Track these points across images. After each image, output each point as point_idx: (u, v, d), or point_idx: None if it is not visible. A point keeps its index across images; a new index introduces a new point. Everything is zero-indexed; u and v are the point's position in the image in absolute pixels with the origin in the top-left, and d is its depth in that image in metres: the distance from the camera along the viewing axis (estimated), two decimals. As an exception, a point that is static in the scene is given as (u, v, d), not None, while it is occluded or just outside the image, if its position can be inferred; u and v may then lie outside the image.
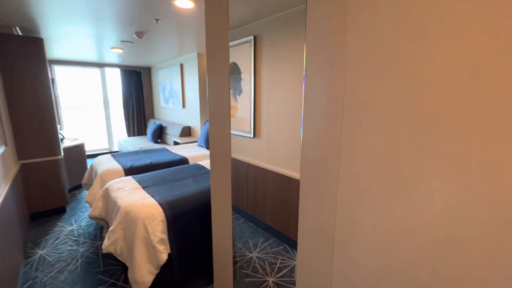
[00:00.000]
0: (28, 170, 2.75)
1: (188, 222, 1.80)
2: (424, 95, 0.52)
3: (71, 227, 2.73)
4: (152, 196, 1.87)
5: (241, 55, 2.67)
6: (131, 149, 4.63)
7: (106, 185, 2.19)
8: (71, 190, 3.69)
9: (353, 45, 0.62)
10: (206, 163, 2.77)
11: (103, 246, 1.73)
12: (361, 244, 0.65)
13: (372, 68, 0.58)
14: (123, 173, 2.59)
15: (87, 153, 5.72)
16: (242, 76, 2.71)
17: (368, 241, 0.64)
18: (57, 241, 2.47)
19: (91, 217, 2.16)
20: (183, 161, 3.01)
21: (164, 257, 1.63)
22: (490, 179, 0.45)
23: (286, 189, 2.38)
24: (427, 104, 0.52)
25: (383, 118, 0.57)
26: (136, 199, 1.82)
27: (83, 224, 2.80)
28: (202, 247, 1.88)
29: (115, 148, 6.18)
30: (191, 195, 1.93)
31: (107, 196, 2.12)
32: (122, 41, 3.26)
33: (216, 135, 1.23)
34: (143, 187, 2.06)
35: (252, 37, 2.50)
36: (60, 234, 2.59)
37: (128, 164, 2.75)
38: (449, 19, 0.48)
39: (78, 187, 3.86)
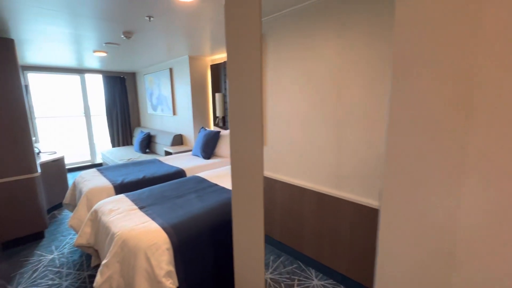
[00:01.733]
0: (-2, 191, 2.36)
1: (198, 248, 1.54)
2: None
3: (52, 256, 2.36)
4: (153, 219, 1.59)
5: (242, 56, 2.46)
6: (117, 161, 4.25)
7: (95, 207, 1.88)
8: (50, 210, 3.28)
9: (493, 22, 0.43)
10: (207, 175, 2.51)
11: (95, 285, 1.43)
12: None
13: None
14: (113, 190, 2.27)
15: (67, 167, 5.24)
16: (244, 78, 2.50)
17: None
18: (35, 275, 2.10)
19: (77, 246, 1.84)
20: (180, 173, 2.73)
21: (172, 293, 1.35)
22: None
23: (297, 200, 2.17)
24: None
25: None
26: (134, 224, 1.53)
27: (65, 250, 2.43)
28: (215, 275, 1.62)
29: (98, 161, 5.73)
30: (198, 215, 1.67)
31: (96, 220, 1.81)
32: (106, 43, 2.95)
33: (243, 148, 1.01)
34: (140, 208, 1.77)
35: (255, 36, 2.30)
36: (39, 265, 2.22)
37: (118, 179, 2.44)
38: None
39: (59, 206, 3.44)
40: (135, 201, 1.89)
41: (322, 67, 1.86)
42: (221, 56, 3.97)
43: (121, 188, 2.31)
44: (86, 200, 2.16)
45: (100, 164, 5.71)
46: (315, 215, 2.05)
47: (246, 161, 0.99)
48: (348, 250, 1.86)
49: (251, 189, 1.01)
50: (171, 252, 1.42)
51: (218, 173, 2.56)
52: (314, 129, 1.98)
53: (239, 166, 1.05)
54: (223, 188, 2.14)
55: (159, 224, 1.52)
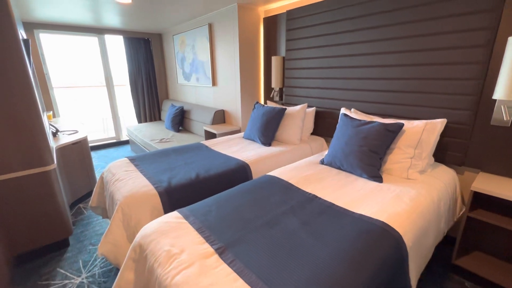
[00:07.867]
0: (1, 192, 1.70)
1: None
2: None
3: (80, 278, 1.74)
4: (257, 291, 0.82)
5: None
6: (146, 139, 3.55)
7: (139, 238, 1.15)
8: (73, 205, 2.68)
9: None
10: (291, 177, 1.69)
11: None
12: None
13: None
14: (158, 198, 1.53)
15: (90, 145, 4.66)
16: None
17: None
18: (57, 315, 1.49)
19: (114, 300, 1.14)
20: (244, 169, 1.94)
21: None
22: None
23: None
24: None
25: None
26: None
27: (96, 270, 1.81)
28: None
29: (124, 137, 5.11)
30: (336, 279, 0.88)
31: (143, 263, 1.08)
32: (133, -22, 2.04)
33: None
34: (219, 251, 1.01)
35: None
36: (63, 296, 1.61)
37: (163, 180, 1.68)
38: None
39: (85, 197, 2.85)
40: (203, 231, 1.13)
41: None
42: (280, 5, 2.94)
43: (168, 195, 1.57)
44: (121, 215, 1.44)
45: (126, 142, 5.10)
46: None
47: None
48: None
49: None
50: None
51: (303, 173, 1.74)
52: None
53: None
54: (335, 207, 1.32)
55: (278, 311, 0.75)
